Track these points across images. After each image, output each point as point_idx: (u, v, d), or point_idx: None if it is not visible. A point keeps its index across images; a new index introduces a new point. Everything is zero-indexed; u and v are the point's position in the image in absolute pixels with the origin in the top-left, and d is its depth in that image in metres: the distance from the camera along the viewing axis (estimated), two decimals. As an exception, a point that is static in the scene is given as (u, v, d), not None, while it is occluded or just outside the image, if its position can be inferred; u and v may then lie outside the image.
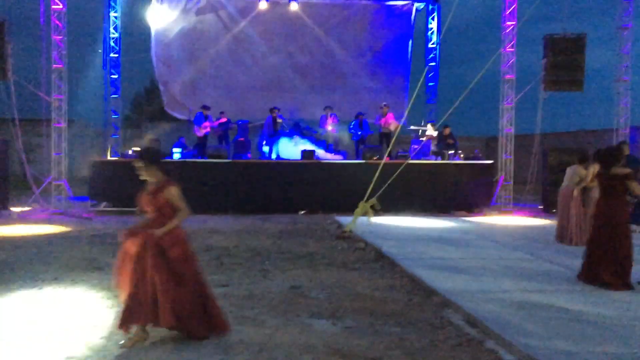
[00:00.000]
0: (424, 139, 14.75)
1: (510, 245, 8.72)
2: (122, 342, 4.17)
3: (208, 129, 14.95)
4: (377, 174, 10.11)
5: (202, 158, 14.01)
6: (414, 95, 10.89)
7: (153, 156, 4.54)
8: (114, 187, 12.80)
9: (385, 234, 9.63)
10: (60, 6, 13.05)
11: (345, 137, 16.20)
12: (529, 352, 4.02)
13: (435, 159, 14.45)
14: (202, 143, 14.79)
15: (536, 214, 13.32)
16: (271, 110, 15.05)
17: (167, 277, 4.18)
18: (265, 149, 15.23)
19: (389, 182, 10.38)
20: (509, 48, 14.11)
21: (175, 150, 14.37)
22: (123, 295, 4.26)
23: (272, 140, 15.04)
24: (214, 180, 13.06)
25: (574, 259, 7.23)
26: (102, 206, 12.96)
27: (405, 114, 13.93)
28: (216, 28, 17.64)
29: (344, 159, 14.36)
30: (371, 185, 9.97)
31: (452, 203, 13.48)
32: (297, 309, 5.25)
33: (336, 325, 4.79)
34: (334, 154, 14.85)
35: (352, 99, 17.92)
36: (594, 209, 6.49)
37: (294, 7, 16.93)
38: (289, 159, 14.29)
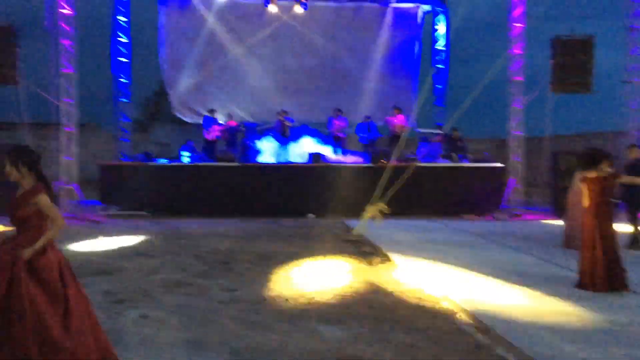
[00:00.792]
0: (432, 141, 14.72)
1: (520, 249, 8.67)
2: None
3: (217, 133, 15.00)
4: (384, 176, 10.09)
5: (210, 161, 14.04)
6: (422, 98, 10.90)
7: (23, 156, 3.71)
8: (123, 191, 12.88)
9: (393, 238, 9.61)
10: (69, 11, 13.13)
11: (353, 139, 16.22)
12: (539, 358, 4.00)
13: (444, 162, 14.41)
14: (210, 147, 14.84)
15: (546, 217, 13.24)
16: (279, 113, 15.07)
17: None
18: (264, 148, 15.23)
19: (396, 185, 10.35)
20: (517, 50, 14.05)
21: (184, 153, 14.45)
22: None
23: (282, 142, 15.07)
24: (222, 183, 13.09)
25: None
26: (113, 210, 13.01)
27: (413, 116, 13.91)
28: (224, 31, 17.69)
29: (366, 161, 14.19)
30: (378, 189, 9.95)
31: (462, 206, 13.42)
32: (305, 314, 5.24)
33: (344, 331, 4.78)
34: (353, 156, 14.84)
35: (360, 101, 17.91)
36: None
37: (298, 10, 16.92)
38: (298, 162, 14.30)
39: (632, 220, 8.79)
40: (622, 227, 7.90)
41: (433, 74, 18.24)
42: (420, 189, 13.06)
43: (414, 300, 5.81)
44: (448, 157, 14.47)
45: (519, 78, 14.21)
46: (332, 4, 17.80)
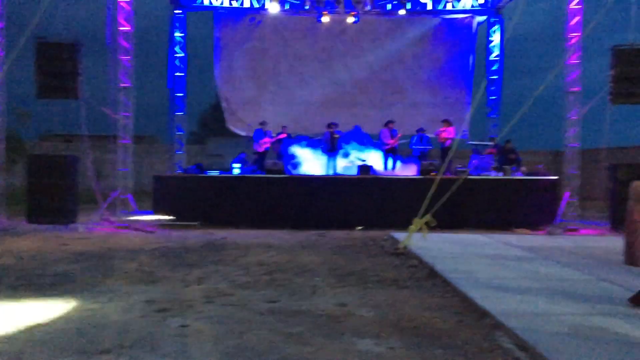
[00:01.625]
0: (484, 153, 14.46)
1: (573, 265, 8.34)
2: None
3: (268, 145, 15.20)
4: (432, 189, 9.94)
5: (260, 173, 14.24)
6: (473, 109, 10.73)
7: None
8: (175, 202, 13.20)
9: (440, 251, 9.43)
10: (128, 27, 13.64)
11: (405, 152, 16.13)
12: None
13: (496, 174, 14.10)
14: (261, 158, 15.05)
15: (603, 232, 12.73)
16: (329, 125, 15.14)
17: None
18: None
19: (444, 197, 10.17)
20: (573, 60, 13.64)
21: (235, 165, 14.73)
22: None
23: (330, 155, 15.13)
24: (271, 195, 13.23)
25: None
26: (165, 220, 13.35)
27: (465, 127, 13.71)
28: (277, 45, 17.98)
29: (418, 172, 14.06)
30: (426, 201, 9.81)
31: (513, 220, 13.07)
32: (342, 327, 5.21)
33: (380, 345, 4.71)
34: (406, 165, 14.80)
35: (412, 113, 17.83)
36: None
37: (350, 20, 17.01)
38: (346, 174, 14.31)
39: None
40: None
41: (487, 85, 17.95)
42: (471, 201, 12.83)
43: (454, 315, 5.68)
44: (500, 170, 14.16)
45: (576, 89, 13.78)
46: (384, 16, 17.81)
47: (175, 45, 17.64)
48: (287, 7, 17.42)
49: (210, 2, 17.65)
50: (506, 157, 14.56)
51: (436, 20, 18.12)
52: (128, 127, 13.81)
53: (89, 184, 13.57)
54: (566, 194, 13.71)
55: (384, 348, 4.65)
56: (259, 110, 17.69)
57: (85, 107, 13.19)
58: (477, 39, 18.45)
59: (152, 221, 13.30)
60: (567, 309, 5.73)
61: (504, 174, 13.93)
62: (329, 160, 15.04)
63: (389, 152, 15.24)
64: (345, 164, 15.31)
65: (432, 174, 13.08)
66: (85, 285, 6.82)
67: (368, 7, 17.29)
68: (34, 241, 10.56)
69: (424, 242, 9.84)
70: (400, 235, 10.62)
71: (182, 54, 17.78)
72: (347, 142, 15.84)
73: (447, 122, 15.11)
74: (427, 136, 15.91)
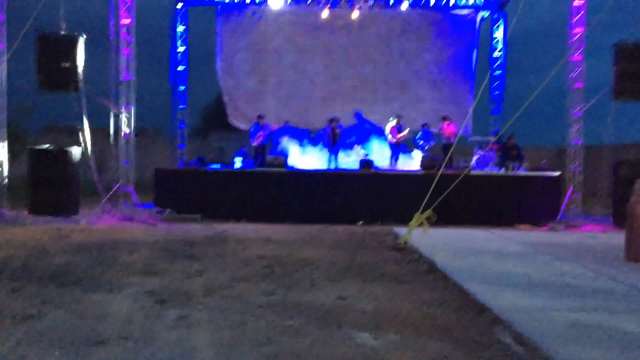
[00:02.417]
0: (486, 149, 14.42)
1: (574, 261, 8.32)
2: None
3: (261, 139, 15.12)
4: (433, 184, 9.94)
5: (260, 167, 14.24)
6: (478, 105, 10.71)
7: None
8: (176, 195, 13.22)
9: (442, 246, 9.42)
10: (129, 20, 13.61)
11: (409, 146, 16.12)
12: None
13: (499, 171, 14.06)
14: (260, 152, 15.01)
15: (606, 228, 12.69)
16: (330, 120, 15.11)
17: None
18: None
19: (445, 193, 10.16)
20: (577, 56, 13.57)
21: (236, 159, 14.73)
22: None
23: (332, 150, 15.11)
24: (271, 189, 13.21)
25: (640, 277, 6.87)
26: (166, 213, 13.35)
27: (465, 123, 13.67)
28: (279, 39, 17.92)
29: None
30: (427, 196, 9.80)
31: (516, 216, 13.03)
32: (340, 320, 5.19)
33: (378, 339, 4.70)
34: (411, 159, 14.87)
35: (415, 108, 17.75)
36: None
37: (355, 15, 16.97)
38: (348, 169, 14.30)
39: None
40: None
41: (490, 81, 17.88)
42: (473, 197, 12.80)
43: (454, 310, 5.66)
44: (503, 166, 14.12)
45: (579, 85, 13.71)
46: (387, 11, 17.74)
47: (177, 39, 17.61)
48: (289, 1, 17.36)
49: (212, -4, 17.61)
50: (508, 153, 14.50)
51: (440, 16, 18.04)
52: (130, 121, 13.78)
53: (91, 177, 13.56)
54: (569, 191, 13.65)
55: (382, 342, 4.64)
56: (260, 105, 17.64)
57: (86, 100, 13.18)
58: (480, 34, 18.37)
59: (153, 214, 13.29)
60: (567, 305, 5.71)
61: (506, 170, 13.89)
62: (330, 154, 15.00)
63: (396, 147, 15.23)
64: (347, 159, 15.29)
65: (433, 169, 13.04)
66: (85, 276, 6.81)
67: (371, 2, 17.23)
68: (35, 233, 10.57)
69: (425, 237, 9.84)
70: (402, 231, 10.60)
71: (184, 48, 17.75)
72: (350, 136, 15.83)
73: (446, 118, 15.08)
74: (432, 131, 15.89)
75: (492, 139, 14.95)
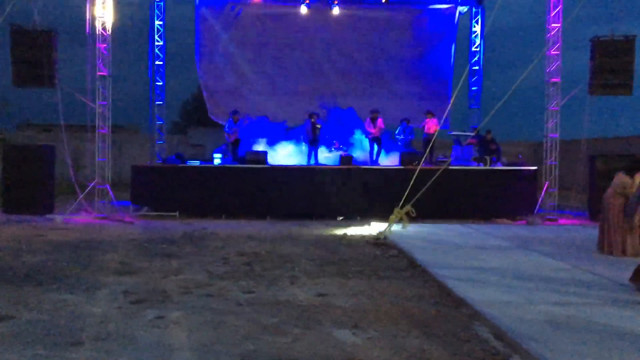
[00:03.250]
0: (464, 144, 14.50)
1: (550, 254, 8.40)
2: None
3: (233, 136, 14.96)
4: (414, 179, 9.97)
5: (236, 162, 14.16)
6: (456, 100, 10.75)
7: None
8: (154, 192, 13.08)
9: (421, 241, 9.44)
10: (104, 14, 13.39)
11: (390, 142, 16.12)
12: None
13: (477, 165, 14.15)
14: (235, 149, 14.89)
15: (582, 222, 12.85)
16: (310, 115, 15.05)
17: None
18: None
19: (425, 188, 10.20)
20: (554, 51, 13.69)
21: (216, 155, 14.60)
22: None
23: (312, 146, 15.05)
24: (251, 185, 13.13)
25: (616, 270, 6.94)
26: (143, 211, 13.20)
27: (444, 118, 13.71)
28: (258, 34, 17.78)
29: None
30: (407, 192, 9.83)
31: (494, 210, 13.15)
32: (320, 317, 5.18)
33: (358, 336, 4.69)
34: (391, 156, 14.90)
35: (395, 103, 17.75)
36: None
37: (336, 11, 16.93)
38: (327, 165, 14.27)
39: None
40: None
41: (469, 76, 17.95)
42: (452, 192, 12.86)
43: (433, 305, 5.68)
44: (481, 160, 14.21)
45: (556, 80, 13.82)
46: (366, 6, 17.71)
47: (155, 34, 17.38)
48: (269, -4, 17.23)
49: (192, -10, 17.39)
50: (487, 147, 14.61)
51: (419, 11, 18.05)
52: (106, 117, 13.57)
53: (67, 174, 13.35)
54: (545, 185, 13.78)
55: (361, 338, 4.64)
56: (241, 100, 17.50)
57: (62, 96, 12.95)
58: (458, 29, 18.43)
59: (130, 212, 13.14)
60: (543, 298, 5.76)
61: (484, 165, 13.98)
62: (310, 150, 14.95)
63: (374, 141, 15.19)
64: (327, 154, 15.26)
65: (414, 164, 13.08)
66: (61, 276, 6.71)
67: (351, -3, 17.18)
68: (9, 232, 10.38)
69: (405, 232, 9.87)
70: (382, 226, 10.62)
71: (162, 43, 17.53)
72: (330, 131, 15.78)
73: (430, 114, 15.10)
74: (411, 126, 15.90)
75: (471, 133, 15.01)
